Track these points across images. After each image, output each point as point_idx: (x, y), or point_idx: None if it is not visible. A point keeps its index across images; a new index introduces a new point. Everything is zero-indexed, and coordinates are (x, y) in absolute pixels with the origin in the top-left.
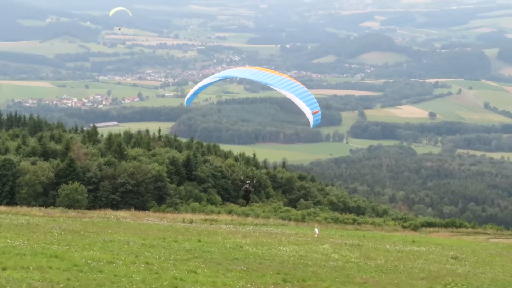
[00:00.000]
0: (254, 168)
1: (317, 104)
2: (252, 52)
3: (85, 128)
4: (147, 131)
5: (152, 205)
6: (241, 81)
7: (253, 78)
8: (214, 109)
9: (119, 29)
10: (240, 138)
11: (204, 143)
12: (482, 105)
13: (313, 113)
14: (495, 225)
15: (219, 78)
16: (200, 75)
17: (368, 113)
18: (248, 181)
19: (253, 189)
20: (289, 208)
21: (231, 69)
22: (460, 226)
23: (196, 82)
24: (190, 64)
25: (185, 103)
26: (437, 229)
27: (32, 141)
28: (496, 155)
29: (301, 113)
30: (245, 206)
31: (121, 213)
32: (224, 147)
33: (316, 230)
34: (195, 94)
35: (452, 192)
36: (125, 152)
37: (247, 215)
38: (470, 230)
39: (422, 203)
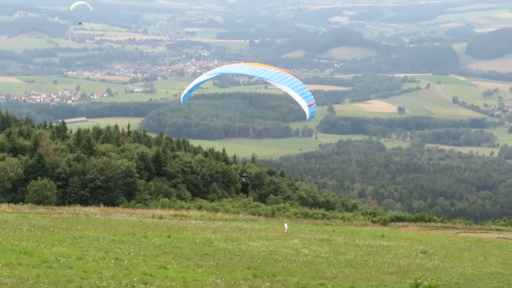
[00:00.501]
0: (244, 165)
1: (312, 96)
2: (221, 47)
3: (54, 124)
4: (116, 126)
5: (122, 201)
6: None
7: (249, 74)
8: (183, 105)
9: (80, 24)
10: (209, 133)
11: (174, 139)
12: (450, 99)
13: (309, 105)
14: (464, 219)
15: (215, 75)
16: (169, 70)
17: (337, 108)
18: (245, 174)
19: (250, 182)
20: (259, 203)
21: (226, 66)
22: (429, 220)
23: (165, 78)
24: (159, 60)
25: (181, 99)
26: (406, 223)
27: (0, 137)
28: (465, 150)
29: (270, 108)
30: (246, 197)
31: (91, 209)
32: (194, 143)
33: (286, 225)
34: (191, 91)
35: (421, 187)
36: (94, 148)
37: (216, 210)
38: (439, 224)
39: (391, 197)
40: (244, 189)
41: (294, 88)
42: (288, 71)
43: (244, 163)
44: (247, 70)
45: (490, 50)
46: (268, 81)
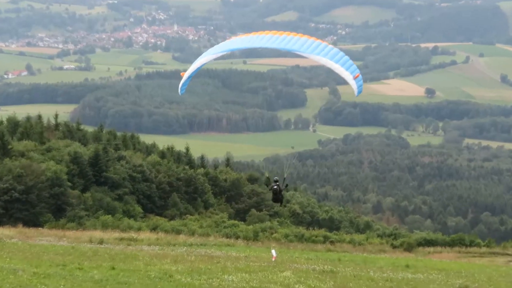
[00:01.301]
0: (215, 169)
1: (356, 66)
2: (183, 8)
3: None
4: (40, 117)
5: (47, 219)
6: (168, 47)
7: (270, 46)
8: (131, 86)
9: None
10: (168, 126)
11: (118, 133)
12: (498, 78)
13: (355, 78)
14: None
15: (222, 52)
16: (112, 39)
17: (342, 90)
18: (276, 178)
19: (284, 187)
20: (236, 221)
21: (235, 38)
22: (471, 244)
23: (106, 50)
24: (98, 25)
25: (179, 91)
26: (439, 249)
27: None
28: None
29: (251, 91)
30: (282, 206)
31: (5, 231)
32: (146, 139)
33: (274, 252)
34: (190, 77)
35: (459, 198)
36: (10, 147)
37: (178, 232)
38: (484, 250)
39: (418, 213)
40: (277, 198)
41: (333, 58)
42: None
43: (216, 167)
44: (266, 42)
45: None
46: (298, 53)
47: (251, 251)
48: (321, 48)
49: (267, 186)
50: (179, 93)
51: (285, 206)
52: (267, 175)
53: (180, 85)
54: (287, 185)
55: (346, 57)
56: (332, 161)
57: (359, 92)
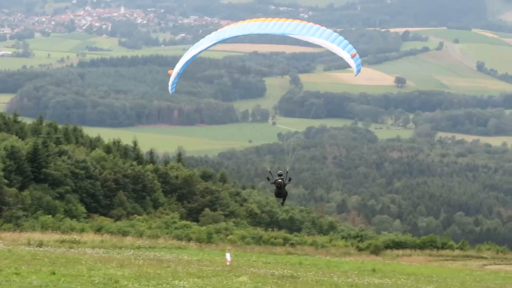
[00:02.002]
0: (165, 164)
1: (351, 46)
2: None
3: None
4: None
5: None
6: (114, 32)
7: (265, 31)
8: (73, 75)
9: None
10: (114, 118)
11: (60, 126)
12: (474, 66)
13: (352, 56)
14: (494, 245)
15: (216, 42)
16: (52, 23)
17: (305, 79)
18: (280, 172)
19: (288, 181)
20: (189, 222)
21: (227, 27)
22: (443, 247)
23: (46, 34)
24: (37, 7)
25: (169, 89)
26: (408, 251)
27: None
28: (496, 141)
29: (205, 79)
30: (282, 205)
31: None
32: (90, 132)
33: (228, 255)
34: (179, 74)
35: (431, 197)
36: None
37: (125, 233)
38: (457, 253)
39: (386, 213)
40: (281, 193)
41: (328, 38)
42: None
43: (166, 162)
44: (257, 28)
45: None
46: (293, 36)
47: (204, 255)
48: (315, 29)
49: (269, 180)
50: (170, 92)
51: (282, 204)
52: (268, 169)
53: (170, 83)
54: (290, 179)
55: (341, 37)
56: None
57: (358, 71)
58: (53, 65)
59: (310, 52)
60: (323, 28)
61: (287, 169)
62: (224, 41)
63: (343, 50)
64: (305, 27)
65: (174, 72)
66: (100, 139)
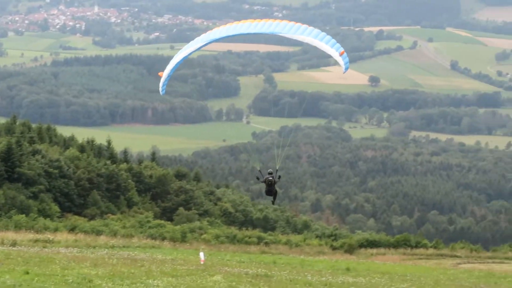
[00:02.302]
0: (139, 164)
1: (339, 44)
2: None
3: None
4: None
5: None
6: (88, 31)
7: (255, 31)
8: (47, 74)
9: None
10: (87, 117)
11: (33, 125)
12: (448, 65)
13: (340, 54)
14: (468, 243)
15: (207, 42)
16: (26, 22)
17: (279, 78)
18: (270, 170)
19: (278, 179)
20: (163, 221)
21: (217, 28)
22: (417, 246)
23: (19, 33)
24: (11, 6)
25: (160, 90)
26: (382, 250)
27: None
28: (469, 140)
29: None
30: (273, 203)
31: None
32: (64, 131)
33: (202, 254)
34: (169, 76)
35: (405, 196)
36: None
37: (98, 233)
38: (431, 251)
39: (360, 212)
40: (271, 191)
41: (316, 36)
42: (205, 22)
43: (140, 162)
44: (246, 28)
45: None
46: (284, 35)
47: (178, 254)
48: (304, 28)
49: (258, 179)
50: (161, 93)
51: (272, 202)
52: (258, 168)
53: (160, 85)
54: (279, 177)
55: (329, 36)
56: (267, 156)
57: (346, 68)
58: (27, 64)
59: (284, 51)
60: (312, 27)
61: (277, 167)
62: (214, 41)
63: (332, 48)
64: (294, 26)
65: (165, 74)
66: (74, 138)
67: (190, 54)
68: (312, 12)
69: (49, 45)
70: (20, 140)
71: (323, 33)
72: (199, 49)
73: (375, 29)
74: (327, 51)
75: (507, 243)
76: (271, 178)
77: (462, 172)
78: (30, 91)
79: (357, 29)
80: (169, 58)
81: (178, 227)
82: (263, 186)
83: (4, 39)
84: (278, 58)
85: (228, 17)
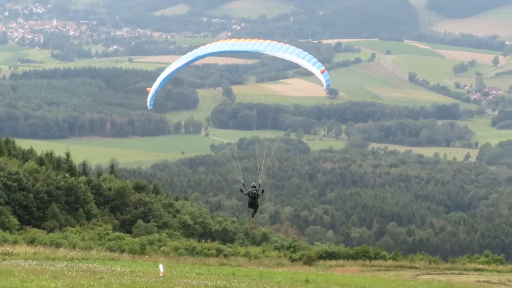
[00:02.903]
0: (98, 176)
1: (320, 63)
2: (63, 0)
3: None
4: None
5: None
6: (46, 44)
7: (239, 49)
8: (5, 87)
9: None
10: (46, 130)
11: None
12: (406, 77)
13: (322, 72)
14: (427, 255)
15: (192, 59)
16: None
17: (237, 90)
18: (253, 184)
19: (261, 193)
20: (122, 234)
21: (203, 46)
22: (376, 257)
23: None
24: None
25: (148, 105)
26: (341, 262)
27: None
28: (428, 152)
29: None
30: (253, 216)
31: None
32: (23, 143)
33: (161, 266)
34: (157, 91)
35: (364, 207)
36: None
37: (58, 245)
38: (390, 263)
39: (319, 223)
40: (254, 203)
41: (299, 55)
42: (164, 35)
43: (99, 174)
44: (231, 46)
45: (463, 4)
46: (267, 53)
47: (138, 266)
48: (286, 47)
49: (242, 191)
50: (148, 108)
51: (252, 216)
52: (242, 182)
53: (148, 100)
54: (263, 191)
55: (311, 55)
56: (226, 168)
57: (328, 85)
58: None
59: (242, 63)
60: (294, 47)
61: (259, 182)
62: (200, 58)
63: (313, 66)
64: (277, 45)
65: (152, 90)
66: (33, 151)
67: (177, 70)
68: (271, 24)
69: (7, 58)
70: None
71: (305, 52)
72: (186, 65)
73: (333, 41)
74: (309, 69)
75: (465, 254)
76: (255, 191)
77: (421, 184)
78: None
79: (315, 41)
80: (127, 71)
81: (137, 239)
82: (222, 198)
83: None
84: (237, 70)
85: (186, 30)
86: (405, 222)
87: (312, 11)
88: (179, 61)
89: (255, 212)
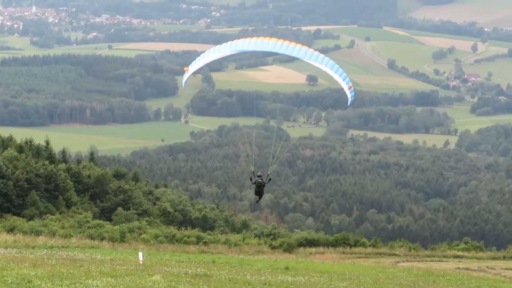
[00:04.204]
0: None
1: (349, 78)
2: None
3: None
4: None
5: None
6: (26, 31)
7: (281, 52)
8: None
9: None
10: (26, 118)
11: None
12: (385, 63)
13: (349, 88)
14: (406, 242)
15: (231, 52)
16: None
17: (217, 77)
18: (259, 173)
19: (267, 181)
20: (102, 221)
21: (242, 40)
22: (356, 244)
23: None
24: None
25: (183, 82)
26: (321, 249)
27: None
28: (407, 138)
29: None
30: (257, 202)
31: None
32: (2, 131)
33: (141, 254)
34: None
35: (343, 194)
36: None
37: (37, 233)
38: (370, 250)
39: (299, 211)
40: (260, 192)
41: (332, 68)
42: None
43: (79, 162)
44: (272, 47)
45: None
46: (305, 60)
47: (118, 254)
48: (322, 58)
49: (251, 179)
50: (183, 86)
51: (257, 201)
52: (252, 169)
53: (184, 79)
54: (270, 179)
55: (341, 69)
56: (206, 155)
57: (351, 102)
58: None
59: None
60: (328, 58)
61: (269, 172)
62: (242, 52)
63: (343, 81)
64: (314, 54)
65: (191, 70)
66: (12, 139)
67: (217, 58)
68: (250, 11)
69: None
70: None
71: (337, 66)
72: (225, 55)
73: (312, 28)
74: (338, 81)
75: (445, 241)
76: (260, 180)
77: (400, 171)
78: None
79: (294, 28)
80: (107, 58)
81: (117, 227)
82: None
83: None
84: None
85: (166, 17)
86: (385, 209)
87: None
88: (222, 48)
89: (259, 198)
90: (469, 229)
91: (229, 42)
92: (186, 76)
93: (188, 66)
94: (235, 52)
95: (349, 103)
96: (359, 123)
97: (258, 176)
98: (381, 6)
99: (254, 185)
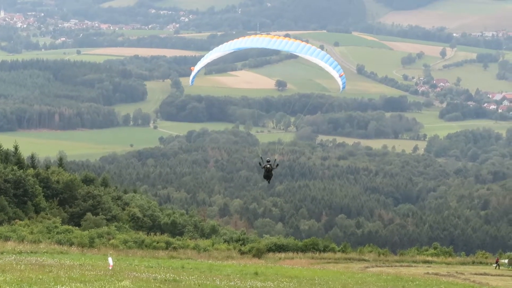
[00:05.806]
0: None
1: (340, 66)
2: None
3: None
4: None
5: None
6: None
7: (273, 47)
8: None
9: None
10: None
11: None
12: (354, 69)
13: (340, 76)
14: (376, 247)
15: (231, 50)
16: None
17: (186, 82)
18: (268, 159)
19: (275, 167)
20: (70, 226)
21: (242, 38)
22: (325, 250)
23: None
24: None
25: (190, 81)
26: (290, 254)
27: None
28: (376, 144)
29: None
30: (269, 183)
31: None
32: None
33: (110, 259)
34: (198, 71)
35: (313, 200)
36: None
37: (6, 238)
38: (339, 255)
39: (268, 216)
40: (268, 176)
41: (323, 58)
42: (112, 27)
43: (47, 167)
44: (267, 44)
45: None
46: (295, 53)
47: (86, 259)
48: (313, 50)
49: (260, 164)
50: (190, 84)
51: (268, 182)
52: (260, 155)
53: (190, 77)
54: (277, 165)
55: (332, 58)
56: (174, 160)
57: (343, 88)
58: None
59: (191, 55)
60: (319, 49)
61: (275, 157)
62: (240, 50)
63: (334, 70)
64: (305, 47)
65: (195, 71)
66: None
67: (219, 57)
68: (219, 16)
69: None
70: None
71: (328, 55)
72: (229, 52)
73: (281, 33)
74: (329, 71)
75: (414, 246)
76: (268, 165)
77: (369, 176)
78: None
79: (263, 33)
80: (75, 63)
81: (86, 232)
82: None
83: None
84: (185, 62)
85: (134, 22)
86: (354, 215)
87: (260, 2)
88: (222, 48)
89: (269, 181)
90: (438, 234)
91: (229, 42)
92: (192, 75)
93: (193, 66)
94: (233, 51)
95: (341, 90)
96: (328, 128)
97: (267, 161)
98: (349, 12)
99: (263, 169)
